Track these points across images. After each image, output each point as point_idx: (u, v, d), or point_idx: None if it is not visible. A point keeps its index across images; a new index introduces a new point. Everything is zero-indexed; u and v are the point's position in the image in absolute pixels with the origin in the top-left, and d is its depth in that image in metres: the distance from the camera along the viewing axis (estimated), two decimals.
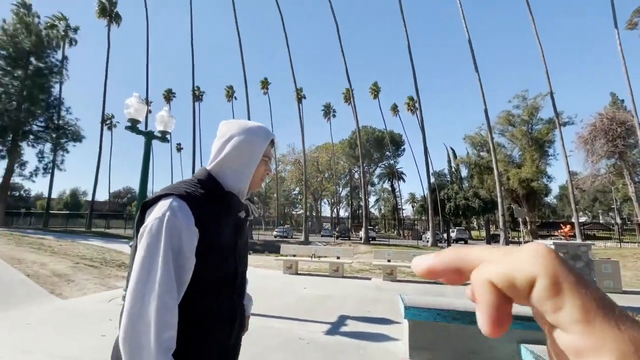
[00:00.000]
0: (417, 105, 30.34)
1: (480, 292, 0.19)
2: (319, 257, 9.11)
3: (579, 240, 14.72)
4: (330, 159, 48.18)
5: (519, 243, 21.68)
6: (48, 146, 25.39)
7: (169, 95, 48.51)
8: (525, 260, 0.18)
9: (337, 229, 34.40)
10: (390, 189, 55.66)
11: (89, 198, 36.97)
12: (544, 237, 27.32)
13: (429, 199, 26.60)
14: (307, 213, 31.26)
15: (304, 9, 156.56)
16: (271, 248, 18.01)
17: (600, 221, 53.72)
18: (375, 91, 42.58)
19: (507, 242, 22.66)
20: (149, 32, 30.75)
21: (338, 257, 8.89)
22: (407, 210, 61.81)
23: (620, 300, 5.85)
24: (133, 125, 5.02)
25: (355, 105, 29.23)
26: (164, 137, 5.45)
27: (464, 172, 47.79)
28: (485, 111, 23.95)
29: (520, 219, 18.90)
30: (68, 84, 35.77)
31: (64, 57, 26.91)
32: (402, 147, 50.59)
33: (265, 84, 44.29)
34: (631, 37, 46.11)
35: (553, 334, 0.17)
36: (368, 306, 5.32)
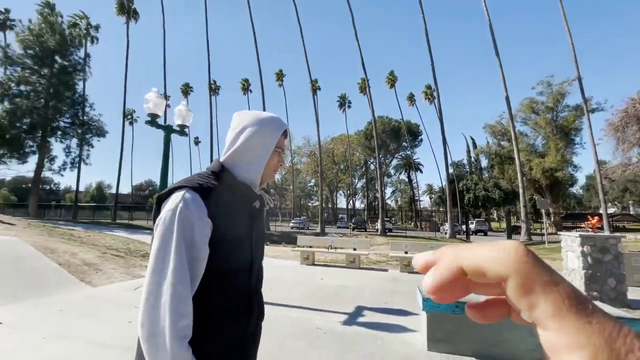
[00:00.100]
0: (435, 94, 29.55)
1: (445, 265, 0.21)
2: (336, 248, 9.15)
3: (607, 233, 14.10)
4: (346, 151, 47.88)
5: (541, 235, 21.01)
6: (74, 141, 26.47)
7: (186, 90, 49.30)
8: (498, 258, 0.19)
9: (353, 220, 34.34)
10: (407, 180, 54.92)
11: (114, 191, 38.50)
12: (568, 228, 26.28)
13: (447, 190, 26.07)
14: (323, 205, 31.37)
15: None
16: (288, 239, 18.23)
17: (631, 212, 51.09)
18: (392, 80, 41.70)
19: (529, 234, 21.99)
20: (165, 27, 31.22)
21: (354, 249, 8.90)
22: (425, 202, 60.95)
23: None
24: (153, 120, 5.14)
25: (371, 95, 28.78)
26: (182, 130, 5.56)
27: (483, 163, 46.49)
28: (507, 98, 23.03)
29: (543, 210, 18.25)
30: (90, 81, 36.89)
31: (87, 55, 27.79)
32: (420, 138, 49.54)
33: (280, 76, 44.23)
34: None
35: (536, 330, 0.18)
36: (385, 297, 5.32)
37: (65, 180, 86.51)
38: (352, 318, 4.23)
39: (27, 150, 23.86)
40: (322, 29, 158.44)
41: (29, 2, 25.85)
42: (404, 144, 48.29)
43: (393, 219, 45.04)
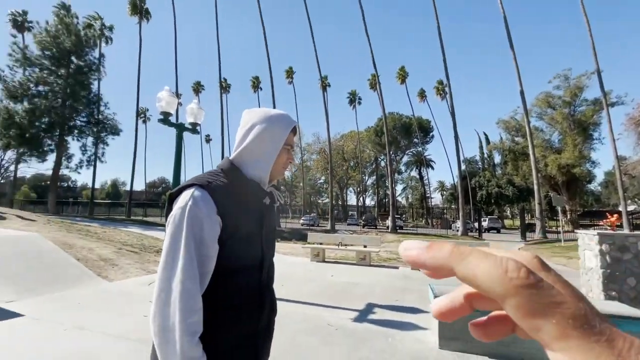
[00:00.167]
0: (446, 89, 29.05)
1: (461, 290, 0.21)
2: (346, 245, 9.14)
3: (626, 231, 13.65)
4: (356, 147, 47.64)
5: (557, 233, 20.50)
6: (90, 140, 27.13)
7: (197, 88, 49.89)
8: (497, 277, 0.18)
9: (364, 217, 34.22)
10: (418, 177, 54.36)
11: (128, 188, 39.37)
12: (586, 226, 25.56)
13: (459, 187, 25.67)
14: (333, 202, 31.34)
15: None
16: (298, 236, 18.31)
17: None
18: (403, 76, 41.17)
19: (544, 232, 21.49)
20: (177, 27, 31.61)
21: (365, 246, 8.87)
22: (436, 199, 60.27)
23: None
24: (165, 118, 5.23)
25: (381, 91, 28.51)
26: (194, 128, 5.63)
27: (497, 159, 45.62)
28: (521, 92, 22.46)
29: (559, 208, 17.79)
30: (104, 80, 37.67)
31: (101, 55, 28.36)
32: (431, 134, 48.92)
33: (290, 73, 44.23)
34: None
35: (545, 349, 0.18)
36: (396, 295, 5.30)
37: (82, 178, 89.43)
38: (363, 315, 4.23)
39: (45, 148, 24.66)
40: (332, 25, 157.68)
41: (45, 3, 26.54)
42: (415, 140, 47.75)
43: (404, 216, 44.69)
